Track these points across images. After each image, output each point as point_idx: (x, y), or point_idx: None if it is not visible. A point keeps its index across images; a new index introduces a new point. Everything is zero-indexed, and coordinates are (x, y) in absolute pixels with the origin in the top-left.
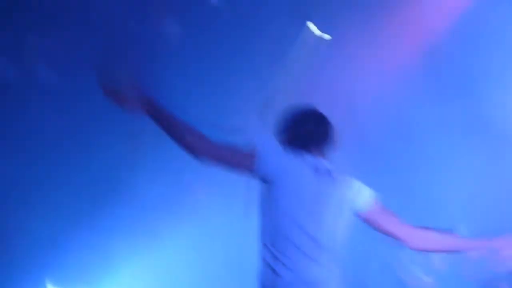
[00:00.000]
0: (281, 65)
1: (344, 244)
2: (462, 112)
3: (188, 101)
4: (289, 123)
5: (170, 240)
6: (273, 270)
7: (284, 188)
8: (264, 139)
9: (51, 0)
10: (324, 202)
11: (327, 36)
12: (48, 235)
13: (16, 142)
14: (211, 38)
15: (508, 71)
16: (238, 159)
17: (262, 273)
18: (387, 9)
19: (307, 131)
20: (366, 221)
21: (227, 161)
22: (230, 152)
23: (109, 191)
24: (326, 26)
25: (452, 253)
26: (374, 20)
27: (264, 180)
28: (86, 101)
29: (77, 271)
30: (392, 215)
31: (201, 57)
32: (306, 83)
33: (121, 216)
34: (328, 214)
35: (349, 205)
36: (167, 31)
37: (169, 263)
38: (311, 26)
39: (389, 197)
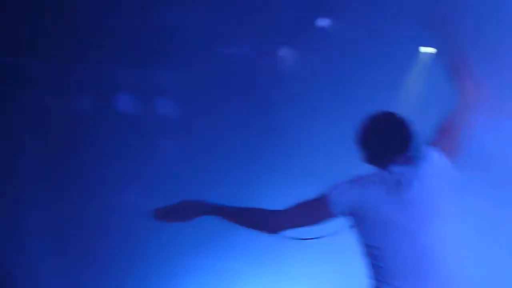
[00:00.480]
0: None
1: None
2: None
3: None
4: (364, 134)
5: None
6: None
7: (369, 221)
8: (335, 183)
9: None
10: (415, 218)
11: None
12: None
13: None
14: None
15: None
16: (315, 213)
17: None
18: None
19: (382, 138)
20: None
21: (304, 221)
22: (302, 211)
23: None
24: None
25: None
26: None
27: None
28: None
29: None
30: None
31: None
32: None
33: None
34: (429, 221)
35: (441, 183)
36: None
37: None
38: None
39: None
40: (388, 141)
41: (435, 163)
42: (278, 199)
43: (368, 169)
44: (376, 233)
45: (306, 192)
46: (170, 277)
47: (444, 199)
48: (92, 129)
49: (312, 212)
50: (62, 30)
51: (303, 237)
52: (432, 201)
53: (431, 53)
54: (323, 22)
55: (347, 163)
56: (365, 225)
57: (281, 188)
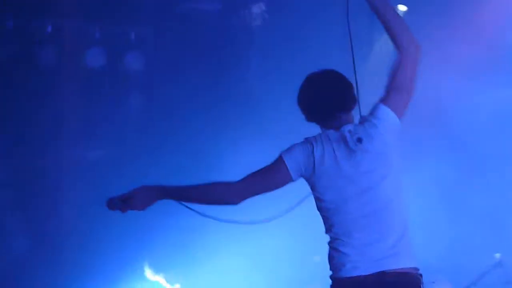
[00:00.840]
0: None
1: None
2: None
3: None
4: (301, 94)
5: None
6: (339, 251)
7: (324, 179)
8: (288, 147)
9: None
10: (368, 171)
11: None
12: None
13: None
14: None
15: None
16: (272, 178)
17: (330, 256)
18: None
19: (321, 96)
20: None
21: (264, 187)
22: (261, 178)
23: None
24: None
25: None
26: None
27: (306, 180)
28: None
29: (172, 255)
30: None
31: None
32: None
33: None
34: (378, 178)
35: (390, 144)
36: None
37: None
38: None
39: None
40: (325, 98)
41: (383, 120)
42: (244, 165)
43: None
44: (328, 188)
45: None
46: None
47: (392, 154)
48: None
49: (270, 175)
50: None
51: (257, 221)
52: (380, 155)
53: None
54: None
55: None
56: (318, 181)
57: (248, 154)
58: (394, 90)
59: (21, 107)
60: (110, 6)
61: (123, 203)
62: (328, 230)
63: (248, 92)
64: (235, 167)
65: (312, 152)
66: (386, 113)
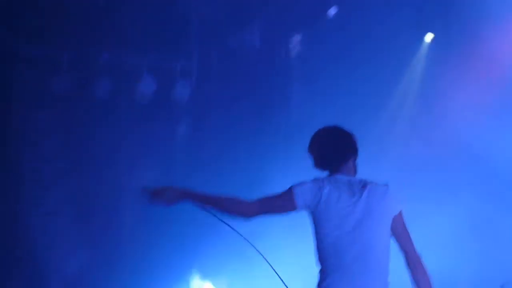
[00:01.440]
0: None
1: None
2: None
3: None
4: (314, 144)
5: None
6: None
7: (325, 214)
8: (300, 182)
9: None
10: (365, 215)
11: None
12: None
13: None
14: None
15: None
16: (281, 204)
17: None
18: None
19: (328, 148)
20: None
21: (273, 210)
22: (271, 202)
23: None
24: None
25: None
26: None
27: (309, 212)
28: None
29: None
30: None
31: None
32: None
33: None
34: (372, 225)
35: (389, 212)
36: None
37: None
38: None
39: None
40: (330, 149)
41: (392, 198)
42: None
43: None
44: (326, 227)
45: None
46: None
47: (382, 208)
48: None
49: (280, 202)
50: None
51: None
52: (373, 206)
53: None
54: (330, 11)
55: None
56: (319, 214)
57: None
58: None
59: (80, 134)
60: (159, 39)
61: (154, 195)
62: (320, 263)
63: (291, 121)
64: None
65: (320, 189)
66: (396, 201)
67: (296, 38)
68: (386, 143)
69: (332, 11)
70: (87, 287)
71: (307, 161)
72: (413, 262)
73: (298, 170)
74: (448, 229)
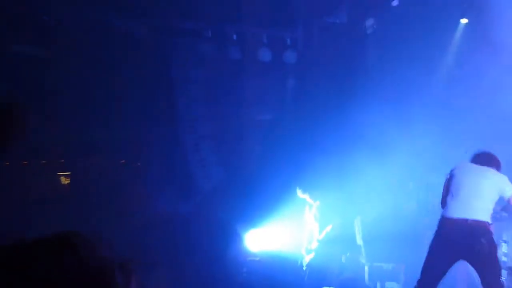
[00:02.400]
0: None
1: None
2: None
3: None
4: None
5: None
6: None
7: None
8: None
9: None
10: (479, 183)
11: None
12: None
13: None
14: None
15: None
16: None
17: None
18: None
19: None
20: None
21: None
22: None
23: None
24: None
25: None
26: None
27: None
28: None
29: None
30: None
31: None
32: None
33: None
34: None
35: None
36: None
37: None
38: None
39: None
40: None
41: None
42: None
43: None
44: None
45: None
46: None
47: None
48: None
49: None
50: None
51: None
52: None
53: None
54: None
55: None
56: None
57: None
58: None
59: (220, 88)
60: (274, 16)
61: None
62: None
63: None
64: None
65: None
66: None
67: (370, 21)
68: None
69: (395, 2)
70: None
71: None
72: None
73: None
74: None
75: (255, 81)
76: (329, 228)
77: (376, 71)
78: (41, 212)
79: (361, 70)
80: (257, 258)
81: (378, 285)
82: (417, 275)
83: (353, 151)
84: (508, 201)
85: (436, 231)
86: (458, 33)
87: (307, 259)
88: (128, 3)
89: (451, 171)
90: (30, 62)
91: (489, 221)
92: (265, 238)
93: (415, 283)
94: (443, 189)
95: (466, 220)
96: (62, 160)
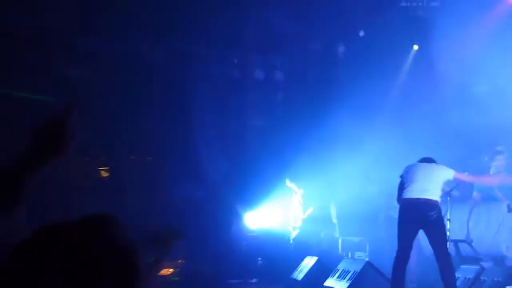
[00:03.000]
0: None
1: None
2: None
3: None
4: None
5: None
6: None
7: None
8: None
9: None
10: (427, 172)
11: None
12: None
13: None
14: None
15: None
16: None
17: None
18: None
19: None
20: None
21: None
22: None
23: None
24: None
25: None
26: None
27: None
28: None
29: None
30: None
31: None
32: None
33: None
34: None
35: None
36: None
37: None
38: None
39: None
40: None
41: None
42: None
43: None
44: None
45: None
46: None
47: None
48: None
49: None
50: None
51: None
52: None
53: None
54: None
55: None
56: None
57: None
58: None
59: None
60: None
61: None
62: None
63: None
64: None
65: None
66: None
67: (341, 47)
68: None
69: (361, 33)
70: None
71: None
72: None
73: None
74: None
75: (251, 94)
76: (310, 210)
77: (346, 85)
78: (85, 199)
79: (334, 84)
80: (254, 234)
81: (349, 254)
82: (378, 246)
83: (329, 149)
84: (455, 179)
85: (399, 212)
86: (411, 56)
87: (293, 234)
88: (154, 35)
89: (404, 170)
90: (78, 82)
91: (438, 200)
92: (260, 218)
93: (394, 253)
94: (398, 188)
95: (419, 199)
96: (102, 157)
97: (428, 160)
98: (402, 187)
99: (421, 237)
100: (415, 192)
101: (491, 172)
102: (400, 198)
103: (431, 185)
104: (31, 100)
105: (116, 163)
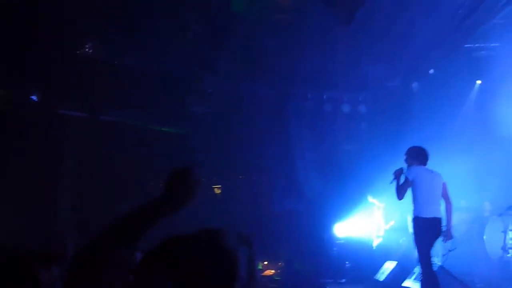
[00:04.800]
0: None
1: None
2: None
3: None
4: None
5: None
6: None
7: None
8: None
9: None
10: (435, 185)
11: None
12: None
13: None
14: None
15: None
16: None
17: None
18: None
19: (425, 152)
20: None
21: None
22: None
23: None
24: None
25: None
26: None
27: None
28: None
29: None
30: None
31: None
32: None
33: None
34: (438, 190)
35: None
36: None
37: None
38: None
39: None
40: (426, 153)
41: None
42: None
43: None
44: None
45: None
46: None
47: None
48: None
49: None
50: None
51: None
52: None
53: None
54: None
55: None
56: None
57: None
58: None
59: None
60: (351, 82)
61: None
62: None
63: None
64: None
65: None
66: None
67: (415, 84)
68: None
69: (431, 71)
70: None
71: None
72: (446, 203)
73: None
74: None
75: (341, 124)
76: (391, 222)
77: (419, 116)
78: (204, 210)
79: (409, 115)
80: (342, 241)
81: None
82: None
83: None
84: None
85: (418, 229)
86: (474, 92)
87: (376, 242)
88: (265, 79)
89: (413, 177)
90: (201, 116)
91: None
92: (348, 228)
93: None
94: (401, 185)
95: (436, 217)
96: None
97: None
98: (414, 194)
99: (487, 243)
100: (433, 211)
101: None
102: (400, 199)
103: (439, 202)
104: (169, 133)
105: (230, 182)
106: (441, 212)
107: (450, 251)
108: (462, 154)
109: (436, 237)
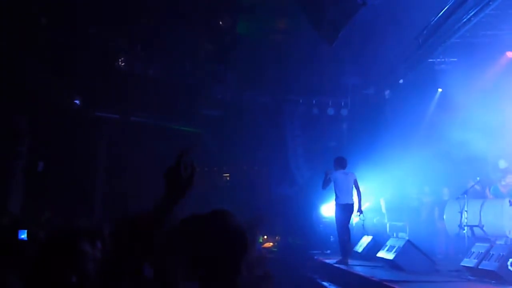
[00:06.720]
0: None
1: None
2: None
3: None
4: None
5: None
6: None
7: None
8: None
9: None
10: (348, 182)
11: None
12: None
13: None
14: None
15: None
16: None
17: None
18: None
19: (344, 160)
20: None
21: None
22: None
23: None
24: None
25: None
26: None
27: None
28: None
29: None
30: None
31: None
32: None
33: None
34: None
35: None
36: None
37: None
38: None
39: None
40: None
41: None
42: None
43: None
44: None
45: None
46: None
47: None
48: None
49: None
50: None
51: None
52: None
53: None
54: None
55: None
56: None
57: None
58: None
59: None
60: (335, 90)
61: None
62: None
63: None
64: None
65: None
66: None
67: (387, 92)
68: None
69: (401, 81)
70: None
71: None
72: (358, 192)
73: None
74: None
75: (327, 125)
76: (366, 203)
77: (391, 118)
78: (215, 194)
79: (383, 118)
80: (327, 220)
81: (394, 234)
82: (415, 229)
83: (379, 161)
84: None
85: (337, 211)
86: (436, 98)
87: (355, 220)
88: (265, 87)
89: (333, 177)
90: (212, 118)
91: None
92: (332, 209)
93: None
94: (325, 181)
95: (348, 203)
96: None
97: (343, 165)
98: (335, 186)
99: (446, 222)
100: (345, 198)
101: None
102: (324, 189)
103: (352, 192)
104: (186, 131)
105: (236, 171)
106: (353, 199)
107: (363, 220)
108: (426, 149)
109: (349, 215)
